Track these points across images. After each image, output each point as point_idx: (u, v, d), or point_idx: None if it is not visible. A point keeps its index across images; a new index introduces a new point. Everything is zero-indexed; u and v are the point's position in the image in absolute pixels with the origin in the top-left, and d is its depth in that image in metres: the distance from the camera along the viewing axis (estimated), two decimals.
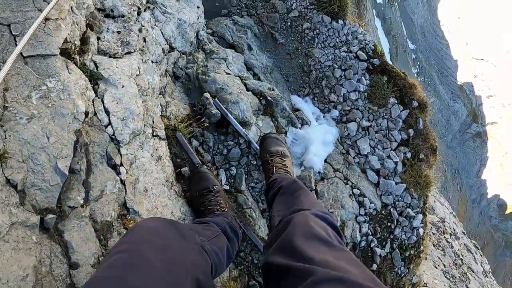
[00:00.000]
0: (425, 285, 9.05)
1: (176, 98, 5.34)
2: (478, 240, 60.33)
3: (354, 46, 7.18)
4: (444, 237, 12.86)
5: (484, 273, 13.54)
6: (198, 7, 6.43)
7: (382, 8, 62.43)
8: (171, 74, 5.45)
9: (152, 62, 4.80)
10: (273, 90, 6.29)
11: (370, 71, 7.07)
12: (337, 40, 7.25)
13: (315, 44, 7.22)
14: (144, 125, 4.17)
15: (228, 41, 6.98)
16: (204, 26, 6.67)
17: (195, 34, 6.24)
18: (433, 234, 12.50)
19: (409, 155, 6.78)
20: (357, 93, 6.93)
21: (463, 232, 15.53)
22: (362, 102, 6.92)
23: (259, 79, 6.71)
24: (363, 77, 6.97)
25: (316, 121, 6.75)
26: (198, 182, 4.24)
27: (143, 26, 4.77)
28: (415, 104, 6.96)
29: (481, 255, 14.89)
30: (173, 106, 5.16)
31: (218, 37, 7.01)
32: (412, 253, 6.67)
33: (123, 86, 3.92)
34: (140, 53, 4.54)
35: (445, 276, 10.87)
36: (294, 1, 7.44)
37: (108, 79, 3.79)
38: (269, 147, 4.55)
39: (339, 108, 6.93)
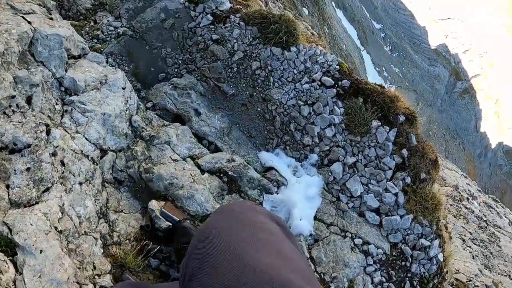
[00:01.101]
0: (457, 271, 8.41)
1: (124, 209, 4.57)
2: (495, 191, 61.40)
3: (316, 73, 6.13)
4: (463, 204, 12.47)
5: (510, 223, 13.26)
6: (123, 88, 5.31)
7: None
8: (112, 181, 4.74)
9: (81, 184, 4.19)
10: (233, 160, 5.23)
11: (341, 96, 6.00)
12: (295, 71, 6.13)
13: (271, 84, 6.14)
14: (80, 286, 3.52)
15: (172, 111, 5.94)
16: (138, 108, 5.70)
17: (128, 123, 5.26)
18: (451, 205, 12.04)
19: (408, 179, 5.73)
20: (332, 127, 5.82)
21: (479, 190, 15.27)
22: (341, 136, 5.82)
23: (216, 148, 5.61)
24: (335, 106, 5.84)
25: (294, 174, 5.70)
26: (181, 236, 4.30)
27: (56, 147, 4.09)
28: (402, 118, 5.87)
29: (502, 207, 14.74)
30: (121, 223, 4.39)
31: (160, 109, 5.98)
32: (436, 281, 5.69)
33: (41, 251, 3.33)
34: (61, 183, 3.95)
35: (474, 244, 10.44)
36: (235, 42, 6.26)
37: (24, 246, 3.26)
38: (183, 237, 4.38)
39: (317, 150, 5.90)
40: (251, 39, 6.32)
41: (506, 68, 65.26)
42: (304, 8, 47.47)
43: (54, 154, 3.98)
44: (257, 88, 6.08)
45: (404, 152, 5.75)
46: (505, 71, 65.31)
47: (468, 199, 12.82)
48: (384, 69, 65.54)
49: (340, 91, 5.91)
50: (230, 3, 7.06)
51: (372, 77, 62.78)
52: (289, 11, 22.87)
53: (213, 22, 6.66)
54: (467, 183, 15.03)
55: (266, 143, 5.91)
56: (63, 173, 4.01)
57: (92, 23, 8.15)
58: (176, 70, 6.47)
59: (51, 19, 5.55)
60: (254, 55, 6.20)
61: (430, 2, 67.29)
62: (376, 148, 5.75)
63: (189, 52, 6.53)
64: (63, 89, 4.65)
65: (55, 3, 7.67)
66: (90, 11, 8.64)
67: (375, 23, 67.99)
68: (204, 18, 6.71)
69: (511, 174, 65.33)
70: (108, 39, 7.07)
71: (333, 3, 59.08)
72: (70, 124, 4.43)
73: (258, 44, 6.26)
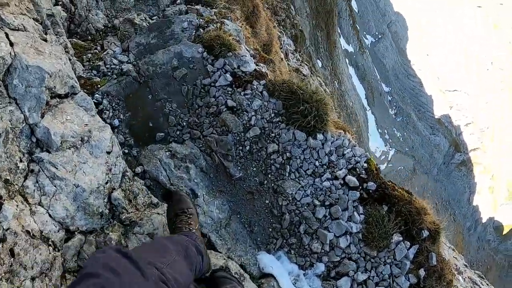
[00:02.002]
0: None
1: None
2: (481, 266, 61.21)
3: (340, 169, 5.08)
4: None
5: None
6: (108, 153, 4.28)
7: (354, 56, 62.78)
8: (76, 271, 3.79)
9: (33, 279, 3.26)
10: (227, 268, 4.13)
11: (364, 200, 4.98)
12: (317, 164, 5.08)
13: (287, 174, 5.06)
14: None
15: (164, 184, 4.93)
16: (123, 177, 4.67)
17: (106, 199, 4.22)
18: None
19: None
20: (348, 236, 4.80)
21: (465, 265, 14.64)
22: (355, 248, 4.84)
23: (209, 242, 4.60)
24: (355, 212, 4.82)
25: (294, 284, 4.68)
26: (176, 204, 4.28)
27: (7, 230, 3.16)
28: (426, 234, 4.86)
29: (487, 284, 14.17)
30: None
31: (151, 179, 4.93)
32: None
33: None
34: (6, 280, 3.04)
35: None
36: (253, 114, 5.28)
37: None
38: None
39: (325, 260, 4.86)
40: (272, 115, 5.33)
41: (507, 145, 64.94)
42: (318, 60, 47.05)
43: (1, 240, 3.07)
44: (269, 175, 5.03)
45: (421, 272, 4.81)
46: (505, 148, 65.11)
47: (454, 274, 12.18)
48: (386, 131, 65.54)
49: (364, 194, 4.89)
50: (256, 64, 6.10)
51: (374, 137, 63.65)
52: (306, 64, 22.17)
53: (232, 84, 5.66)
54: (454, 257, 14.61)
55: (268, 242, 4.85)
56: (11, 266, 3.09)
57: (98, 48, 7.21)
58: (178, 132, 5.48)
59: (45, 40, 4.61)
60: (273, 135, 5.19)
61: (440, 72, 66.80)
62: (392, 265, 4.76)
63: (197, 114, 5.53)
64: (34, 139, 3.71)
65: (65, 14, 6.83)
66: (101, 33, 7.72)
67: (384, 85, 67.97)
68: (222, 76, 5.72)
69: (498, 250, 64.83)
70: (109, 73, 6.18)
71: (346, 60, 59.39)
72: (34, 191, 3.54)
73: (280, 123, 5.26)
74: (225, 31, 6.39)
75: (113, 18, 8.18)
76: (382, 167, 62.73)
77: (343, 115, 34.85)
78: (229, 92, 5.61)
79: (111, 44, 7.27)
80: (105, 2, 8.29)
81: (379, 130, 66.25)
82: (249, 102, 5.45)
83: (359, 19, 66.62)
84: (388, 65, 68.76)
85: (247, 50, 6.24)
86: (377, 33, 69.14)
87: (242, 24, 8.84)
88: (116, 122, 5.55)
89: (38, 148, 3.73)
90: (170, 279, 2.71)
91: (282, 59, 12.95)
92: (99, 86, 5.84)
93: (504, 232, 64.83)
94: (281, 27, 20.80)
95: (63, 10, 7.21)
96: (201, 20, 6.84)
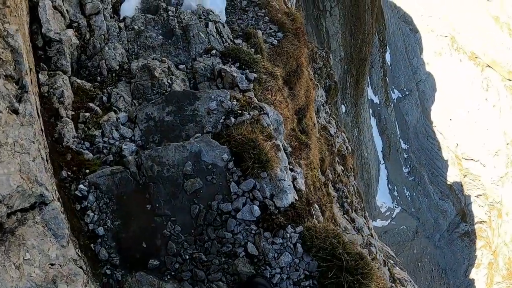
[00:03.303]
0: None
1: None
2: None
3: None
4: None
5: None
6: None
7: (379, 108, 62.43)
8: None
9: None
10: None
11: None
12: None
13: None
14: None
15: None
16: None
17: None
18: None
19: None
20: None
21: None
22: None
23: None
24: None
25: None
26: None
27: None
28: None
29: None
30: None
31: None
32: None
33: None
34: None
35: None
36: (278, 271, 3.57)
37: None
38: None
39: None
40: (302, 276, 3.61)
41: None
42: (342, 106, 45.80)
43: None
44: None
45: None
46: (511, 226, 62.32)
47: None
48: (396, 188, 65.27)
49: None
50: (291, 169, 4.32)
51: (383, 192, 63.51)
52: (334, 118, 20.54)
53: (258, 221, 4.12)
54: None
55: None
56: None
57: (104, 98, 5.71)
58: (177, 266, 4.04)
59: (16, 112, 3.39)
60: None
61: (459, 139, 65.39)
62: None
63: (205, 248, 4.07)
64: None
65: (77, 42, 5.87)
66: (113, 75, 6.11)
67: (402, 142, 67.27)
68: (248, 206, 4.10)
69: None
70: (104, 151, 4.90)
71: (370, 110, 59.67)
72: None
73: None
74: (263, 126, 4.60)
75: (132, 55, 6.50)
76: (385, 223, 61.94)
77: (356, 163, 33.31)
78: (253, 232, 4.09)
79: (119, 98, 5.60)
80: (129, 33, 6.62)
81: (389, 186, 65.20)
82: (276, 255, 3.94)
83: (389, 72, 65.86)
84: (410, 122, 67.40)
85: (285, 168, 4.43)
86: (405, 89, 67.97)
87: (282, 88, 7.18)
88: (101, 230, 4.18)
89: None
90: None
91: (314, 124, 11.31)
92: (87, 170, 4.58)
93: None
94: (317, 75, 19.34)
95: (76, 37, 5.97)
96: (234, 102, 5.04)
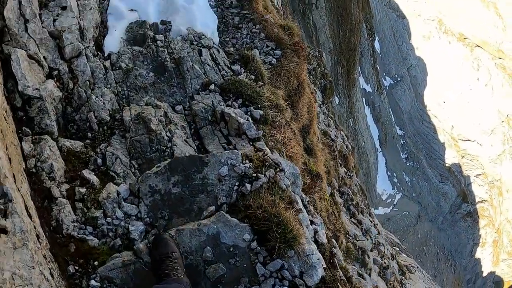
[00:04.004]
0: None
1: None
2: None
3: None
4: None
5: None
6: None
7: (372, 97, 61.80)
8: None
9: None
10: None
11: None
12: None
13: None
14: None
15: None
16: None
17: None
18: None
19: None
20: None
21: None
22: None
23: None
24: None
25: None
26: (159, 247, 4.07)
27: None
28: None
29: None
30: None
31: None
32: None
33: None
34: None
35: None
36: None
37: None
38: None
39: None
40: None
41: None
42: (336, 97, 45.17)
43: None
44: None
45: None
46: None
47: None
48: (395, 175, 65.03)
49: None
50: (319, 246, 3.78)
51: (382, 179, 63.15)
52: (331, 118, 19.92)
53: None
54: None
55: None
56: None
57: (99, 161, 5.09)
58: None
59: (3, 231, 2.92)
60: None
61: (454, 120, 65.27)
62: None
63: None
64: None
65: (60, 94, 5.28)
66: (104, 128, 5.47)
67: (398, 128, 67.03)
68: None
69: None
70: (110, 234, 4.41)
71: (363, 99, 59.11)
72: None
73: None
74: (282, 189, 4.01)
75: (123, 99, 5.81)
76: (387, 210, 61.70)
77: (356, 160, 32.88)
78: None
79: (116, 160, 4.95)
80: (116, 73, 5.93)
81: (388, 173, 64.88)
82: None
83: (380, 60, 65.49)
84: (404, 108, 67.09)
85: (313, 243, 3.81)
86: (396, 75, 67.59)
87: (285, 109, 6.56)
88: None
89: None
90: None
91: (318, 137, 10.78)
92: (95, 262, 4.13)
93: None
94: (311, 76, 18.70)
95: (58, 88, 5.32)
96: (247, 163, 4.40)
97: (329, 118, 19.70)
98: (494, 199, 63.84)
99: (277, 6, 12.52)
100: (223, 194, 4.31)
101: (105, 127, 5.40)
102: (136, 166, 5.05)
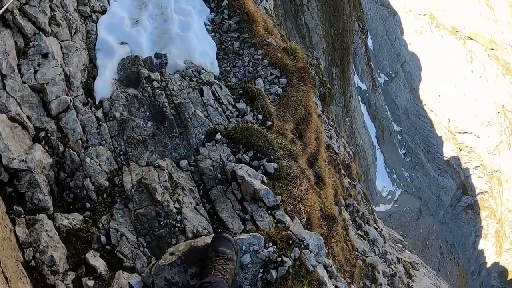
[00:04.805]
0: None
1: None
2: None
3: None
4: None
5: None
6: None
7: (367, 94, 61.29)
8: None
9: None
10: None
11: None
12: None
13: None
14: None
15: None
16: None
17: None
18: None
19: None
20: None
21: None
22: None
23: None
24: None
25: None
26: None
27: None
28: None
29: None
30: None
31: None
32: None
33: None
34: None
35: None
36: None
37: None
38: (218, 246, 3.97)
39: None
40: None
41: None
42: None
43: None
44: None
45: None
46: None
47: None
48: (394, 171, 64.74)
49: None
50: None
51: (382, 176, 62.70)
52: (332, 126, 19.37)
53: None
54: None
55: None
56: None
57: (102, 239, 4.55)
58: None
59: None
60: None
61: (451, 114, 65.06)
62: None
63: None
64: None
65: (50, 161, 4.64)
66: (104, 196, 4.81)
67: (395, 124, 66.73)
68: None
69: None
70: None
71: (359, 97, 58.56)
72: None
73: None
74: (309, 271, 3.93)
75: (121, 156, 5.17)
76: (388, 207, 61.38)
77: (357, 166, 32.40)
78: None
79: (121, 238, 4.33)
80: (110, 125, 5.23)
81: (387, 170, 64.44)
82: None
83: (373, 57, 65.05)
84: (400, 104, 66.73)
85: None
86: (390, 72, 67.23)
87: (299, 155, 5.95)
88: None
89: None
90: None
91: (325, 161, 10.16)
92: None
93: (509, 278, 62.06)
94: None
95: (47, 153, 4.65)
96: (270, 247, 3.83)
97: (329, 127, 19.15)
98: (494, 189, 63.63)
99: (272, 14, 11.83)
100: (246, 283, 3.82)
101: (105, 195, 4.75)
102: (145, 244, 4.42)
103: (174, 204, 4.64)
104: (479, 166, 64.72)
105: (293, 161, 5.32)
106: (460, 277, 60.21)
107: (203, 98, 5.79)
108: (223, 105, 5.93)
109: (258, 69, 7.29)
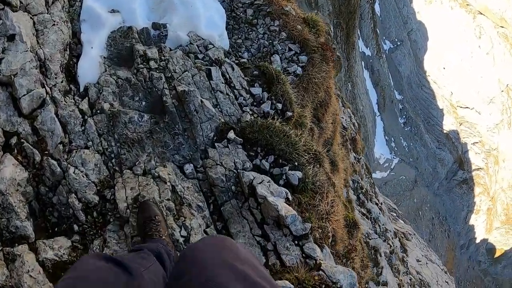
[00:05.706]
0: None
1: None
2: (468, 285, 60.84)
3: None
4: None
5: None
6: None
7: (371, 60, 60.43)
8: None
9: None
10: None
11: None
12: None
13: None
14: None
15: None
16: None
17: None
18: None
19: None
20: None
21: None
22: None
23: None
24: None
25: None
26: (143, 211, 3.93)
27: None
28: None
29: None
30: None
31: None
32: None
33: None
34: None
35: None
36: None
37: None
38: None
39: None
40: None
41: (510, 170, 62.44)
42: None
43: None
44: None
45: None
46: (508, 173, 62.60)
47: None
48: (393, 139, 64.55)
49: None
50: None
51: (380, 144, 62.68)
52: (338, 95, 18.57)
53: None
54: (446, 281, 15.32)
55: None
56: None
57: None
58: None
59: None
60: None
61: (454, 87, 64.38)
62: None
63: None
64: None
65: (26, 175, 3.66)
66: (95, 216, 3.93)
67: (397, 93, 66.13)
68: None
69: (487, 272, 63.67)
70: None
71: (362, 62, 57.84)
72: None
73: None
74: None
75: (112, 159, 4.15)
76: (384, 174, 61.41)
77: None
78: None
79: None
80: (98, 119, 4.23)
81: (386, 137, 64.27)
82: None
83: (380, 23, 63.88)
84: (403, 73, 65.86)
85: None
86: (396, 39, 66.03)
87: (324, 157, 5.00)
88: None
89: None
90: (148, 281, 2.72)
91: (339, 144, 9.43)
92: None
93: (496, 255, 63.16)
94: None
95: (21, 164, 3.63)
96: None
97: (338, 97, 18.46)
98: (490, 167, 63.69)
99: None
100: None
101: (95, 213, 3.81)
102: None
103: (180, 232, 3.73)
104: (477, 143, 64.46)
105: (318, 166, 4.36)
106: (449, 249, 60.71)
107: (211, 82, 4.73)
108: (235, 90, 4.87)
109: (275, 43, 6.23)
